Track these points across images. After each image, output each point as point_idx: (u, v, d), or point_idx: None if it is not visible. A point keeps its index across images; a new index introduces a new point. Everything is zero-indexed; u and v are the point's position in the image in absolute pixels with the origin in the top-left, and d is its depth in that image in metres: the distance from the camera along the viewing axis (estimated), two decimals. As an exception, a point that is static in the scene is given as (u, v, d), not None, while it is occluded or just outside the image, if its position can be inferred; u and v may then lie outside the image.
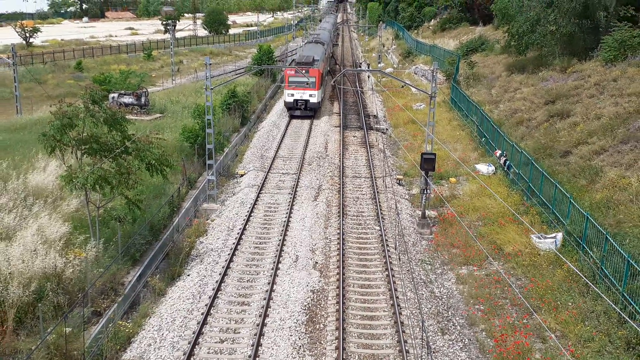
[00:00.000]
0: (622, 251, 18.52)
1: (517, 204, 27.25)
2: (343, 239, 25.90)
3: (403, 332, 18.94)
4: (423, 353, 17.61)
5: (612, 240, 19.27)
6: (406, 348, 18.09)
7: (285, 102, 49.55)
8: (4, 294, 17.87)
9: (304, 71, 45.89)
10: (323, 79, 53.33)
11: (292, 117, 49.01)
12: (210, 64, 30.78)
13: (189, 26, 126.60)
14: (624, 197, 23.11)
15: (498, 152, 33.00)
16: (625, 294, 18.08)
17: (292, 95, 48.62)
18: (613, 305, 17.43)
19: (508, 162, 31.12)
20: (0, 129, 40.01)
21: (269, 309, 20.49)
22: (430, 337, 18.74)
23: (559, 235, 23.03)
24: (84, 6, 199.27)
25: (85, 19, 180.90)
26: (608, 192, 24.05)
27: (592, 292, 19.21)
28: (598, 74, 35.16)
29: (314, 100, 48.59)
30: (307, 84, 47.79)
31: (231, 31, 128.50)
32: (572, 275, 20.54)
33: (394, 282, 22.06)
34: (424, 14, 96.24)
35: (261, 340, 18.73)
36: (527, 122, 35.85)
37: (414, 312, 20.33)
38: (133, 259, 23.46)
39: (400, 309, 20.31)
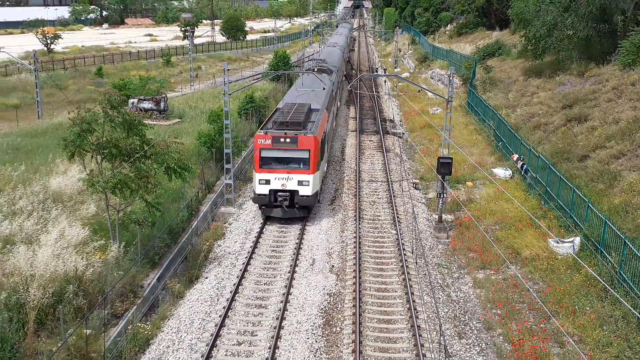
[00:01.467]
0: (640, 255, 18.42)
1: (535, 208, 27.14)
2: (359, 242, 25.98)
3: (420, 335, 18.97)
4: (440, 357, 17.62)
5: (630, 245, 19.15)
6: (423, 352, 18.12)
7: (255, 194, 28.45)
8: (25, 296, 18.18)
9: (288, 140, 27.66)
10: (324, 145, 31.75)
11: (267, 218, 28.80)
12: (228, 70, 31.04)
13: (207, 32, 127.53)
14: (642, 201, 22.95)
15: (515, 157, 32.89)
16: (643, 299, 17.97)
17: (267, 182, 27.85)
18: (632, 310, 17.31)
19: (525, 166, 31.02)
20: (22, 133, 40.63)
21: (286, 312, 20.62)
22: (447, 341, 18.74)
23: (577, 240, 22.92)
24: (104, 13, 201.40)
25: (105, 25, 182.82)
26: (626, 196, 23.90)
27: (610, 296, 19.10)
28: (616, 78, 34.94)
29: (306, 191, 27.91)
30: (295, 162, 28.08)
31: (249, 37, 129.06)
32: (590, 280, 20.42)
33: (411, 286, 22.09)
34: (440, 19, 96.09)
35: (278, 342, 18.86)
36: (545, 127, 35.69)
37: (430, 316, 20.35)
38: (152, 262, 23.72)
39: (417, 312, 20.33)
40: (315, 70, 42.83)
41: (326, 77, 41.37)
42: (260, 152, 28.00)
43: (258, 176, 28.08)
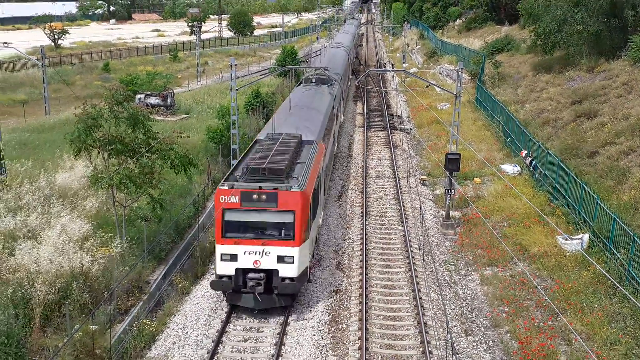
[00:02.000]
0: (650, 253, 18.23)
1: (543, 204, 26.94)
2: (366, 239, 25.87)
3: (426, 332, 18.86)
4: (447, 354, 17.51)
5: (640, 242, 18.98)
6: (429, 349, 18.01)
7: (216, 275, 19.94)
8: (30, 291, 18.18)
9: (264, 197, 19.38)
10: (318, 195, 23.41)
11: (233, 307, 20.35)
12: (235, 65, 30.96)
13: (214, 28, 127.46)
14: (652, 198, 22.75)
15: (524, 153, 32.66)
16: (653, 297, 17.80)
17: (233, 258, 19.57)
18: (641, 308, 17.17)
19: (534, 162, 30.80)
20: (29, 129, 40.70)
21: (292, 309, 20.54)
22: (454, 339, 18.62)
23: (585, 237, 22.72)
24: (112, 8, 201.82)
25: (112, 21, 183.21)
26: (636, 192, 23.69)
27: (619, 294, 18.93)
28: (626, 74, 34.63)
29: (289, 271, 19.63)
30: (274, 228, 19.84)
31: (256, 32, 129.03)
32: (598, 277, 20.25)
33: (418, 283, 21.97)
34: (449, 14, 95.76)
35: (284, 339, 18.79)
36: (554, 122, 35.43)
37: (437, 313, 20.23)
38: (158, 258, 23.69)
39: (424, 309, 20.21)
40: (314, 81, 36.89)
41: (326, 91, 35.12)
42: (223, 215, 19.60)
43: (220, 249, 19.59)
